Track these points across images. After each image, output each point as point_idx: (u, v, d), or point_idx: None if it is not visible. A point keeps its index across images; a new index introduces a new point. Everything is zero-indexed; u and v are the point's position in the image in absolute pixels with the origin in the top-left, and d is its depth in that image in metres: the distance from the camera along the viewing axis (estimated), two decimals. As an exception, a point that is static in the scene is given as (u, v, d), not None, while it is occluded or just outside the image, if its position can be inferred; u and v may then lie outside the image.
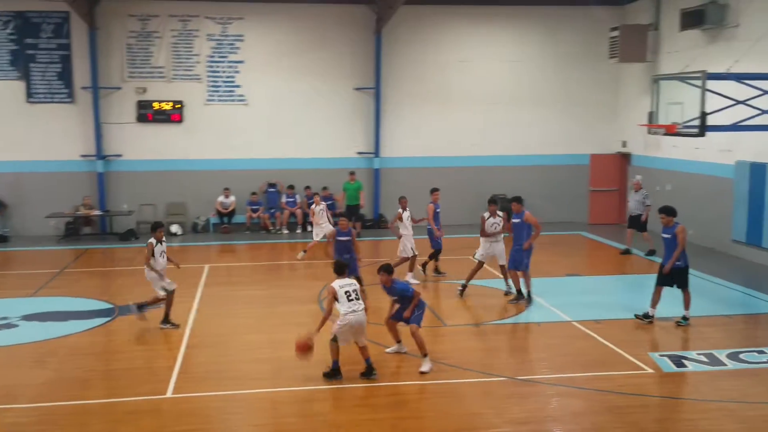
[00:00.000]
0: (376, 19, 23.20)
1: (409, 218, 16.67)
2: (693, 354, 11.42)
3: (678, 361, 11.10)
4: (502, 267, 15.22)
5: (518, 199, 14.72)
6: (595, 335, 12.42)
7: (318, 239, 18.70)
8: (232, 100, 23.28)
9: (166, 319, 13.02)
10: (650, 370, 10.74)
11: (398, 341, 11.58)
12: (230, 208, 23.14)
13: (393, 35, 23.55)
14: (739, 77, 15.03)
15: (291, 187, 23.18)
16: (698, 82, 14.16)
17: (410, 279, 16.01)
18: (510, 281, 14.97)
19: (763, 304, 14.53)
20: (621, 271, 18.03)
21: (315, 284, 16.02)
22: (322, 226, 18.67)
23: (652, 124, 15.65)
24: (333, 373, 10.51)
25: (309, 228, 22.62)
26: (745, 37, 17.80)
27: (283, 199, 23.16)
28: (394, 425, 9.11)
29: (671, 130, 14.90)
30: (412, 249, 16.40)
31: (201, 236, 22.70)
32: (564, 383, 10.34)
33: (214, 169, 23.32)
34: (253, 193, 23.15)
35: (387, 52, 23.61)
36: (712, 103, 14.44)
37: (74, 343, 12.29)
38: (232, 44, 23.10)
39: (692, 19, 19.35)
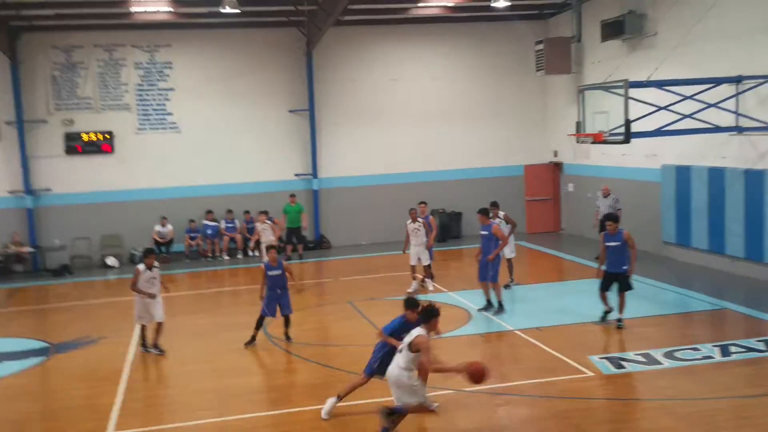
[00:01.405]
0: (306, 42, 23.31)
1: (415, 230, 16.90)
2: (631, 355, 11.71)
3: (617, 363, 11.38)
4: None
5: (485, 211, 14.96)
6: (538, 342, 12.65)
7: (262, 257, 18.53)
8: (164, 128, 23.07)
9: (155, 344, 13.09)
10: (591, 374, 10.97)
11: None
12: (168, 238, 22.84)
13: (324, 57, 23.69)
14: (660, 84, 15.57)
15: (230, 212, 23.03)
16: (621, 91, 14.62)
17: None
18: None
19: (696, 303, 15.00)
20: (560, 278, 18.41)
21: (256, 310, 15.90)
22: (263, 244, 18.64)
23: (580, 134, 16.08)
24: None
25: (251, 253, 22.53)
26: (663, 45, 18.44)
27: (222, 225, 22.98)
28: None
29: (598, 139, 15.33)
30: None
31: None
32: (510, 392, 10.49)
33: (149, 199, 23.01)
34: (191, 221, 22.91)
35: (319, 74, 23.73)
36: (636, 110, 14.91)
37: (8, 385, 11.96)
38: (161, 72, 22.92)
39: (612, 30, 19.97)
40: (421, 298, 15.61)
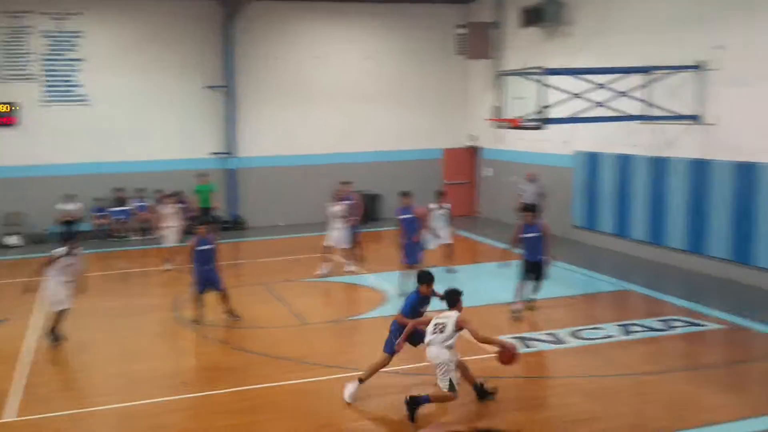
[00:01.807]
0: (225, 15, 22.84)
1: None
2: (539, 335, 12.07)
3: (526, 343, 11.68)
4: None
5: (407, 194, 14.97)
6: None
7: (167, 244, 17.81)
8: (73, 101, 22.17)
9: (52, 331, 12.28)
10: (500, 353, 11.22)
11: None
12: (75, 216, 22.00)
13: (245, 31, 23.23)
14: (574, 72, 15.93)
15: (141, 190, 22.44)
16: (538, 78, 14.88)
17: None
18: None
19: (601, 284, 15.55)
20: (474, 261, 18.68)
21: (168, 292, 15.70)
22: (173, 229, 17.84)
23: (498, 119, 16.30)
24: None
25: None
26: (579, 34, 18.88)
27: (132, 204, 22.38)
28: (256, 429, 9.07)
29: (515, 124, 15.56)
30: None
31: (43, 246, 21.43)
32: (423, 372, 10.60)
33: (55, 175, 21.97)
34: (99, 199, 22.19)
35: (239, 49, 23.26)
36: (552, 97, 15.22)
37: None
38: (69, 41, 21.99)
39: (532, 17, 20.30)
40: (334, 279, 15.68)
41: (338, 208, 16.70)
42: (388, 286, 15.42)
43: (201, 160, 23.24)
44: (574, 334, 12.06)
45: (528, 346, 11.54)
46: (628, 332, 12.11)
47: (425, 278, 10.09)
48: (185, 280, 16.48)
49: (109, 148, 22.45)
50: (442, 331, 9.15)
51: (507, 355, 9.22)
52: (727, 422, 8.76)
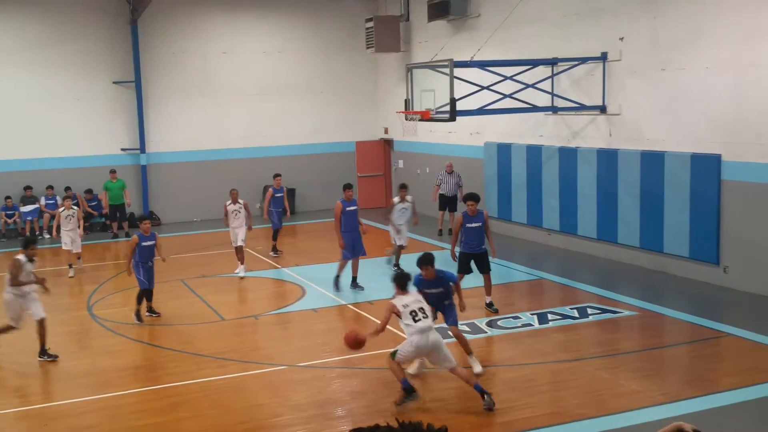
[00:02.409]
0: (130, 10, 22.37)
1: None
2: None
3: (444, 333, 11.81)
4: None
5: (350, 186, 15.00)
6: (369, 316, 12.99)
7: (67, 248, 16.82)
8: (-26, 98, 21.44)
9: (43, 350, 11.22)
10: (420, 344, 11.41)
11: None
12: (-20, 216, 21.34)
13: (150, 26, 22.83)
14: (482, 65, 16.24)
15: (50, 188, 21.81)
16: (447, 70, 15.13)
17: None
18: None
19: (515, 273, 15.92)
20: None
21: (81, 290, 15.37)
22: (70, 232, 16.74)
23: (409, 111, 16.50)
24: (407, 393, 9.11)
25: (46, 236, 21.25)
26: (486, 27, 19.21)
27: (42, 202, 21.77)
28: (175, 427, 9.02)
29: (426, 116, 15.78)
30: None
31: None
32: (343, 365, 10.75)
33: (-42, 174, 21.38)
34: (8, 198, 21.50)
35: (146, 44, 22.85)
36: (461, 89, 15.48)
37: None
38: (-30, 37, 21.26)
39: (438, 10, 20.57)
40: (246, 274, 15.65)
41: (235, 207, 16.17)
42: (304, 280, 15.46)
43: (112, 156, 22.76)
44: (491, 324, 12.33)
45: (446, 337, 11.74)
46: (543, 320, 12.43)
47: (425, 261, 9.95)
48: (97, 279, 16.22)
49: (16, 145, 21.79)
50: (426, 315, 9.15)
51: (356, 341, 9.05)
52: (644, 408, 9.01)
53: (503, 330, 12.06)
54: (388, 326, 9.41)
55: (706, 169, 14.05)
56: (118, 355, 11.68)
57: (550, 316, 12.65)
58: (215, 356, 11.21)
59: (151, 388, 10.15)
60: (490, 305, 13.04)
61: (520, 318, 12.62)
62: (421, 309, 9.13)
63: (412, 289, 9.69)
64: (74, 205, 18.21)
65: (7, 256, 19.35)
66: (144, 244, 13.12)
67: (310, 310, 13.70)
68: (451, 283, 10.23)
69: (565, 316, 12.64)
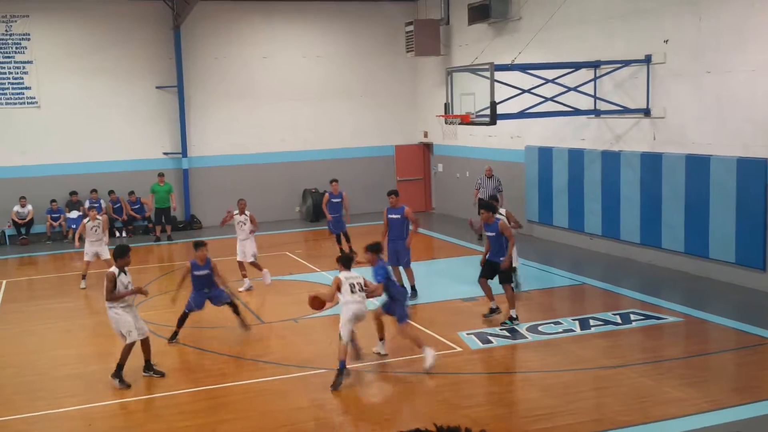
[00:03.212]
0: (173, 16, 22.66)
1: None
2: (497, 330, 12.18)
3: (484, 338, 11.81)
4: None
5: (395, 192, 14.54)
6: (408, 320, 12.91)
7: (87, 259, 16.22)
8: (22, 103, 21.90)
9: (148, 366, 10.82)
10: (459, 349, 11.35)
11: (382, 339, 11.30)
12: (28, 218, 21.78)
13: (193, 32, 23.11)
14: (524, 67, 16.10)
15: (94, 191, 22.17)
16: (487, 74, 15.04)
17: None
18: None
19: (557, 279, 15.75)
20: (430, 257, 18.81)
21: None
22: (94, 243, 16.17)
23: (448, 115, 16.44)
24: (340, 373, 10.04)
25: (118, 234, 21.84)
26: (527, 30, 19.07)
27: (86, 205, 22.10)
28: (216, 429, 9.06)
29: (466, 120, 15.70)
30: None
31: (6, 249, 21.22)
32: (381, 369, 10.72)
33: (6, 177, 21.81)
34: (53, 201, 21.92)
35: (188, 50, 23.14)
36: (501, 92, 15.37)
37: None
38: (17, 44, 21.70)
39: (479, 14, 20.49)
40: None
41: (241, 219, 15.52)
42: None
43: (154, 160, 23.07)
44: (531, 329, 12.19)
45: (486, 342, 11.68)
46: (585, 326, 12.24)
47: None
48: (139, 282, 16.36)
49: (62, 149, 22.28)
50: (362, 289, 10.45)
51: (317, 302, 10.57)
52: (688, 416, 8.84)
53: (544, 336, 11.92)
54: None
55: (752, 173, 13.76)
56: (159, 357, 11.76)
57: (592, 322, 12.47)
58: (256, 359, 11.26)
59: (193, 390, 10.21)
60: (510, 319, 12.48)
61: (562, 323, 12.46)
62: (359, 284, 10.52)
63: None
64: (100, 215, 17.50)
65: (53, 257, 19.81)
66: (197, 273, 12.14)
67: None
68: (379, 279, 10.87)
69: (607, 322, 12.45)
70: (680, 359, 10.82)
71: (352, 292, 10.40)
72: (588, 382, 10.10)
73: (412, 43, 22.58)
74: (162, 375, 10.70)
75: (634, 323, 12.40)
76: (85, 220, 16.33)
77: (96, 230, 16.11)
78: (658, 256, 16.05)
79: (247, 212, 15.55)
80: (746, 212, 13.92)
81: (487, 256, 12.79)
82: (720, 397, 9.40)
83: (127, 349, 10.38)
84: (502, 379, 10.42)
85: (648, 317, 12.65)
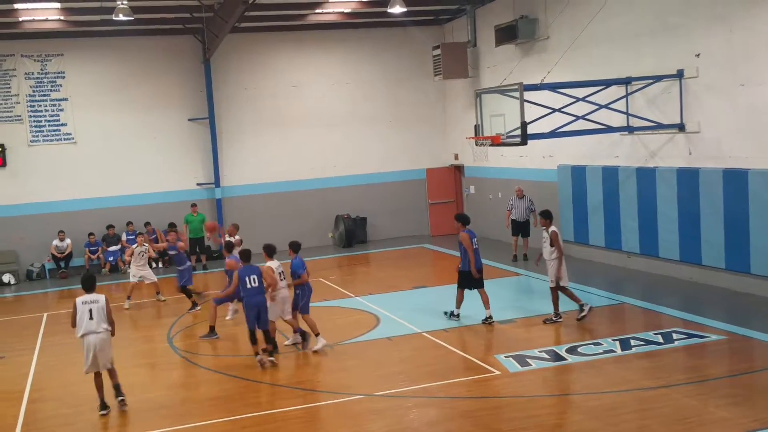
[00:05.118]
0: (203, 49, 22.98)
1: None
2: (535, 352, 11.99)
3: (522, 361, 11.64)
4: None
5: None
6: (445, 344, 12.83)
7: (133, 281, 17.56)
8: (59, 140, 22.36)
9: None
10: (497, 372, 11.20)
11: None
12: (66, 252, 22.10)
13: (222, 64, 23.42)
14: (553, 87, 16.03)
15: (130, 223, 22.46)
16: (517, 94, 14.98)
17: None
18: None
19: (595, 298, 15.48)
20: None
21: (163, 322, 15.64)
22: (141, 268, 17.46)
23: (479, 136, 16.39)
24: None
25: (154, 265, 22.03)
26: (555, 49, 19.03)
27: (123, 238, 22.40)
28: (255, 458, 9.03)
29: (496, 141, 15.64)
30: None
31: (37, 284, 21.53)
32: (419, 394, 10.61)
33: (45, 213, 22.24)
34: (91, 234, 22.22)
35: (218, 81, 23.45)
36: (532, 112, 15.31)
37: None
38: (53, 82, 22.21)
39: (506, 35, 20.46)
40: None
41: (142, 249, 17.14)
42: (380, 309, 15.41)
43: (188, 191, 23.33)
44: (571, 350, 12.00)
45: (524, 364, 11.51)
46: (626, 347, 12.01)
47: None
48: (177, 311, 16.51)
49: (98, 183, 22.71)
50: (284, 278, 12.75)
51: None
52: (734, 436, 8.60)
53: (584, 357, 11.71)
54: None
55: (792, 185, 13.49)
56: (196, 386, 11.80)
57: (633, 342, 12.23)
58: (292, 386, 11.22)
59: (230, 419, 10.18)
60: (488, 318, 13.80)
61: (602, 344, 12.24)
62: (282, 272, 12.74)
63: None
64: (146, 240, 18.60)
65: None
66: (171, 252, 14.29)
67: (385, 338, 13.62)
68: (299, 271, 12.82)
69: (649, 342, 12.21)
70: (725, 378, 10.57)
71: (282, 279, 12.57)
72: (630, 404, 9.88)
73: (439, 67, 22.61)
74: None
75: (676, 342, 12.14)
76: (134, 246, 17.60)
77: (143, 255, 17.38)
78: (698, 273, 15.75)
79: (237, 236, 16.03)
80: (787, 225, 13.62)
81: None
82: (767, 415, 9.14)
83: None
84: (542, 402, 10.23)
85: (690, 336, 12.39)
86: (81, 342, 10.55)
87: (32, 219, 22.14)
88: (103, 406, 10.55)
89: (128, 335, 15.10)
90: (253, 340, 12.21)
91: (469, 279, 13.93)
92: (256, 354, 12.18)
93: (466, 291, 14.14)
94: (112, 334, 10.66)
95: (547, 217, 13.93)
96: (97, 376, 10.64)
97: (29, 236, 22.09)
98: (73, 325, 10.57)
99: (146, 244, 17.76)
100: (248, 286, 12.16)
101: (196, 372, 12.46)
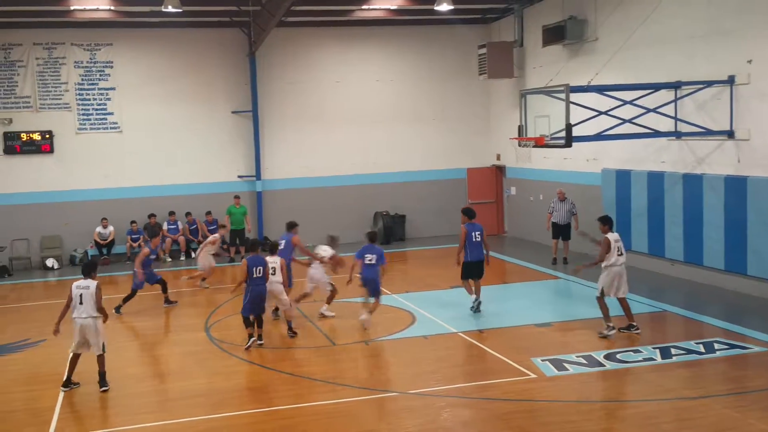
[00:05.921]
0: (249, 42, 23.12)
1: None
2: (572, 357, 11.85)
3: (559, 365, 11.50)
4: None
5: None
6: (481, 344, 12.75)
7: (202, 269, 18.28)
8: (105, 128, 22.67)
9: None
10: (533, 375, 11.09)
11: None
12: (109, 239, 22.42)
13: (268, 57, 23.54)
14: (600, 89, 15.82)
15: (172, 213, 22.70)
16: (562, 95, 14.81)
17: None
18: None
19: (636, 305, 15.17)
20: (502, 281, 18.52)
21: (201, 311, 15.78)
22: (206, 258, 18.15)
23: (522, 137, 16.24)
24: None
25: (193, 255, 22.22)
26: (603, 50, 18.77)
27: (165, 227, 22.63)
28: (287, 450, 9.05)
29: (540, 142, 15.49)
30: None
31: (79, 269, 21.67)
32: (453, 394, 10.55)
33: (89, 200, 22.60)
34: (133, 222, 22.51)
35: (263, 75, 23.57)
36: (577, 114, 15.14)
37: (-57, 391, 11.57)
38: (101, 71, 22.52)
39: (554, 35, 20.24)
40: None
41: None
42: (416, 307, 15.36)
43: (229, 183, 23.51)
44: (609, 357, 11.84)
45: (561, 369, 11.37)
46: (666, 355, 11.82)
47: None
48: (214, 301, 16.65)
49: (141, 172, 22.98)
50: (274, 273, 13.05)
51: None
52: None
53: (623, 364, 11.54)
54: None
55: None
56: (232, 376, 11.86)
57: (673, 351, 12.02)
58: (327, 380, 11.22)
59: (264, 410, 10.22)
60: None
61: (642, 352, 12.04)
62: (274, 268, 13.09)
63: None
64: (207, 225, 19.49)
65: (131, 277, 20.18)
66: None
67: (421, 336, 13.56)
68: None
69: (690, 351, 11.99)
70: (766, 390, 10.31)
71: (273, 274, 13.05)
72: (669, 413, 9.71)
73: (485, 66, 22.46)
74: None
75: (717, 352, 11.91)
76: (216, 235, 18.74)
77: (208, 250, 18.09)
78: (743, 284, 15.41)
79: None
80: (838, 238, 13.26)
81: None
82: (810, 430, 8.91)
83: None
84: (578, 408, 10.09)
85: (733, 346, 12.14)
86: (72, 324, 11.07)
87: (77, 205, 22.51)
88: (67, 383, 11.05)
89: (164, 323, 15.27)
90: (247, 323, 12.98)
91: (471, 269, 14.72)
92: (250, 336, 12.96)
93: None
94: (104, 320, 11.15)
95: (604, 222, 13.32)
96: (77, 356, 11.16)
97: (73, 222, 22.46)
98: (66, 306, 11.13)
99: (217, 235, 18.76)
100: (254, 275, 12.81)
101: (232, 362, 12.52)
